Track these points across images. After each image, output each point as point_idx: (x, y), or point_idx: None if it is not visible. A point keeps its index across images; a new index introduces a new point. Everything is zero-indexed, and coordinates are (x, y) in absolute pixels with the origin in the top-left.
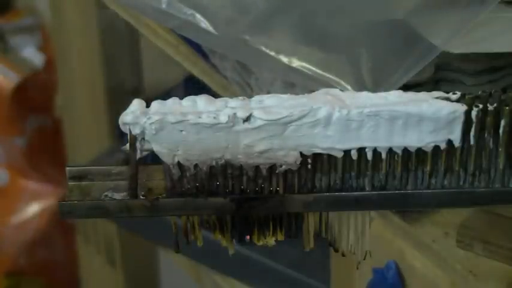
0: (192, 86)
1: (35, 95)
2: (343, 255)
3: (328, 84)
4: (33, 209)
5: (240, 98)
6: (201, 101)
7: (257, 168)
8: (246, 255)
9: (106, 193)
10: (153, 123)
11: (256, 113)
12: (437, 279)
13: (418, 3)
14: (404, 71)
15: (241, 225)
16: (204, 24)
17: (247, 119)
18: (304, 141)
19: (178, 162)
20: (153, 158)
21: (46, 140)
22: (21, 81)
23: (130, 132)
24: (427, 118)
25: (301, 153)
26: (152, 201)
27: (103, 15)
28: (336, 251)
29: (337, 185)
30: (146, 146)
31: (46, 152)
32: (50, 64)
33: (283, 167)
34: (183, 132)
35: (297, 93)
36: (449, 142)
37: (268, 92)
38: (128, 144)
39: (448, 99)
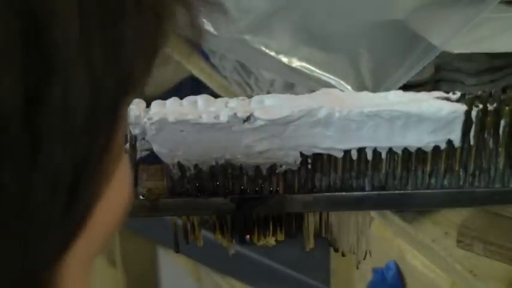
0: (192, 86)
1: None
2: (343, 255)
3: (328, 84)
4: None
5: (240, 98)
6: (201, 101)
7: (257, 168)
8: (246, 255)
9: None
10: (153, 123)
11: (256, 113)
12: (437, 279)
13: (418, 3)
14: (404, 71)
15: (241, 225)
16: (204, 24)
17: (247, 119)
18: (304, 141)
19: (178, 162)
20: (153, 158)
21: None
22: None
23: (130, 132)
24: (427, 118)
25: (301, 153)
26: (152, 201)
27: None
28: (336, 251)
29: (337, 185)
30: (146, 146)
31: None
32: None
33: (283, 167)
34: (183, 132)
35: (297, 93)
36: (449, 142)
37: (268, 92)
38: (127, 144)
39: (448, 99)
